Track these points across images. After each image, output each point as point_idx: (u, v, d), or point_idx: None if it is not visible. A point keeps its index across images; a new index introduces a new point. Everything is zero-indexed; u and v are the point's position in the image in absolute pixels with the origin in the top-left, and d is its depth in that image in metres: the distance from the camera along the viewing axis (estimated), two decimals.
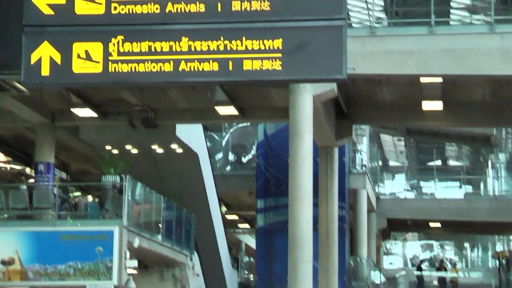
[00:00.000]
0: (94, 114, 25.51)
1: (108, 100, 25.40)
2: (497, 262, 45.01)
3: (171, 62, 10.76)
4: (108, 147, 28.24)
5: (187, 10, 10.80)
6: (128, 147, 28.54)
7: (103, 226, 22.50)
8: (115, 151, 28.09)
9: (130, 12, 10.83)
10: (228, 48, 10.76)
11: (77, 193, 29.60)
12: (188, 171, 30.37)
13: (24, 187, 24.34)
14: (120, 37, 10.83)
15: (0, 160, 32.15)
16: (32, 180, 28.03)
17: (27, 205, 23.27)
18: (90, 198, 27.80)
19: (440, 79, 22.81)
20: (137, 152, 28.84)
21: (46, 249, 22.13)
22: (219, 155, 39.44)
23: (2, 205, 23.35)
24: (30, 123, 26.27)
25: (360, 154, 38.08)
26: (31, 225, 22.91)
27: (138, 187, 24.76)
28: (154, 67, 10.77)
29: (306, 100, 22.23)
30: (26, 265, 22.19)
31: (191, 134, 29.28)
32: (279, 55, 10.69)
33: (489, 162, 48.66)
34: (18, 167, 32.44)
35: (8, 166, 32.59)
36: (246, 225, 46.65)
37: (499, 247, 56.82)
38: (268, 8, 10.71)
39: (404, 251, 60.33)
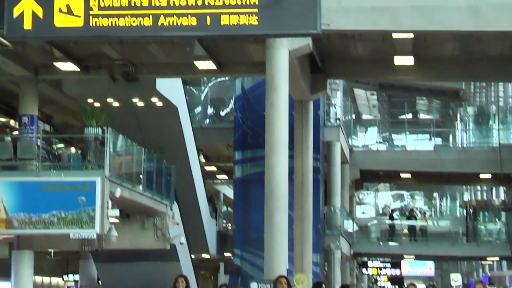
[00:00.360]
0: (76, 68, 25.36)
1: (90, 54, 25.23)
2: (465, 211, 45.38)
3: (151, 16, 10.71)
4: (90, 100, 28.11)
5: None
6: (109, 100, 28.41)
7: (86, 177, 22.43)
8: (97, 104, 27.96)
9: None
10: (206, 3, 10.71)
11: (60, 145, 29.51)
12: (168, 124, 30.33)
13: (9, 138, 24.19)
14: None
15: None
16: (16, 132, 27.90)
17: (12, 156, 23.17)
18: (73, 149, 27.70)
19: (411, 35, 22.80)
20: (118, 105, 28.74)
21: (30, 199, 22.06)
22: (198, 109, 39.37)
23: None
24: (13, 76, 26.09)
25: (334, 107, 38.13)
26: (15, 175, 22.81)
27: (119, 139, 24.67)
28: (134, 21, 10.71)
29: (282, 55, 22.21)
30: (11, 214, 22.11)
31: (170, 88, 29.19)
32: (256, 10, 10.66)
33: (458, 115, 48.88)
34: (2, 119, 32.28)
35: None
36: (224, 176, 46.76)
37: (466, 197, 57.28)
38: None
39: (376, 201, 60.75)
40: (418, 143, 46.28)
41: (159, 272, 29.85)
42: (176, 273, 29.44)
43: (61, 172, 22.90)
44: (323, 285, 15.09)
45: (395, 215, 46.55)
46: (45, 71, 25.90)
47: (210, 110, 40.05)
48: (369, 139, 48.29)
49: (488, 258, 44.29)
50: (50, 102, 30.74)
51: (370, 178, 46.48)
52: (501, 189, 48.06)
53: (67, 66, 25.34)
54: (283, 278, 12.52)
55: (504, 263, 44.44)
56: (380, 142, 47.38)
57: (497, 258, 43.19)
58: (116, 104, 28.72)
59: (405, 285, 56.93)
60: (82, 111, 24.36)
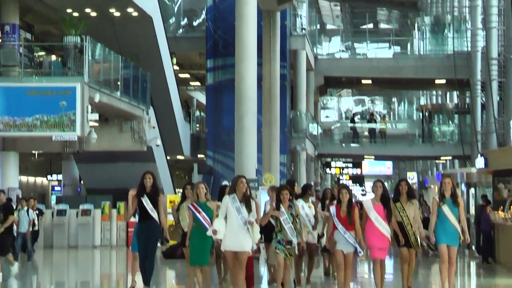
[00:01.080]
0: None
1: None
2: (421, 114, 45.69)
3: None
4: (69, 10, 27.66)
5: None
6: (87, 10, 27.97)
7: (66, 83, 22.40)
8: (75, 14, 27.55)
9: None
10: None
11: (42, 53, 29.16)
12: (143, 34, 29.99)
13: None
14: None
15: None
16: None
17: None
18: (53, 57, 27.42)
19: None
20: (96, 15, 28.33)
21: (14, 103, 21.99)
22: (172, 19, 38.93)
23: None
24: None
25: (300, 18, 37.80)
26: None
27: (97, 48, 24.49)
28: None
29: None
30: None
31: None
32: None
33: (416, 25, 48.70)
34: None
35: None
36: (197, 83, 46.59)
37: (422, 101, 57.57)
38: None
39: (339, 106, 60.88)
40: (378, 51, 46.15)
41: (137, 172, 29.86)
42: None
43: (42, 78, 22.80)
44: (296, 183, 15.17)
45: (356, 118, 46.73)
46: None
47: (183, 21, 39.62)
48: (332, 47, 48.07)
49: (441, 158, 44.86)
50: (31, 12, 30.22)
51: (333, 84, 46.51)
52: (455, 93, 48.26)
53: None
54: (243, 177, 12.46)
55: (456, 161, 45.00)
56: (343, 51, 47.16)
57: (450, 157, 43.76)
58: (94, 14, 28.30)
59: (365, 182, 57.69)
60: (61, 20, 24.06)
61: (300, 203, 14.54)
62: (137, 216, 13.21)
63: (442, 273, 12.61)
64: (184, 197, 13.57)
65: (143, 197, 12.80)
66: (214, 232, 12.07)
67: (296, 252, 12.89)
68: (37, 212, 25.35)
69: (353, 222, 12.39)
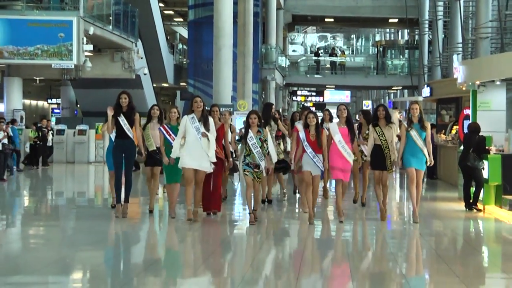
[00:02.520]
0: None
1: None
2: (376, 49, 45.64)
3: None
4: None
5: None
6: None
7: (64, 16, 22.26)
8: None
9: None
10: None
11: None
12: None
13: None
14: None
15: None
16: None
17: None
18: None
19: None
20: None
21: (17, 34, 21.86)
22: None
23: None
24: None
25: None
26: (4, 14, 22.42)
27: None
28: None
29: None
30: (2, 46, 22.00)
31: None
32: None
33: None
34: None
35: None
36: (180, 19, 46.14)
37: (378, 38, 57.45)
38: None
39: (304, 41, 60.43)
40: None
41: None
42: (140, 99, 29.69)
43: (43, 12, 22.58)
44: (273, 106, 14.58)
45: (320, 52, 46.52)
46: None
47: None
48: None
49: (393, 87, 45.01)
50: None
51: (300, 21, 46.20)
52: (406, 31, 48.30)
53: None
54: (199, 97, 11.59)
55: (406, 91, 45.17)
56: None
57: (400, 87, 43.92)
58: None
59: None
60: None
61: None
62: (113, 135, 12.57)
63: (412, 193, 11.91)
64: (150, 118, 12.64)
65: (119, 117, 11.90)
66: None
67: (264, 175, 11.85)
68: (52, 131, 25.47)
69: (322, 145, 11.50)
